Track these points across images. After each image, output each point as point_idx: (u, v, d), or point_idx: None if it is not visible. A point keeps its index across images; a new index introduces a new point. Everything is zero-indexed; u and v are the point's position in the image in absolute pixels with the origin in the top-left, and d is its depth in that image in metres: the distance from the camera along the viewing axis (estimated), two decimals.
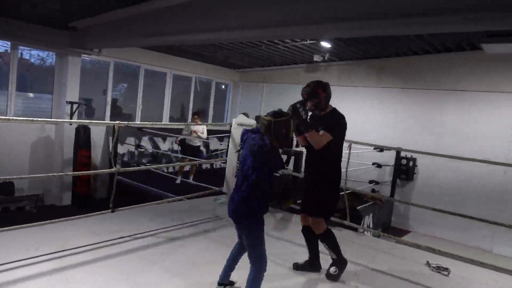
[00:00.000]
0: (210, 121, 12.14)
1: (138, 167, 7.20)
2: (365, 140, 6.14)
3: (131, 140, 9.71)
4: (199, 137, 8.64)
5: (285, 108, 3.18)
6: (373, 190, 9.28)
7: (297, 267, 3.58)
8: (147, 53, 9.88)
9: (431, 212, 6.62)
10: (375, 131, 9.68)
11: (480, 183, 8.56)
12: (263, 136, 2.64)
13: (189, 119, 10.80)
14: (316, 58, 9.63)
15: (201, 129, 8.70)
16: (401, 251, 4.53)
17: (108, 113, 9.50)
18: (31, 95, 8.85)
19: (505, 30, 5.84)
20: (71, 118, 7.74)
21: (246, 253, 2.79)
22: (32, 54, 8.63)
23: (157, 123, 8.86)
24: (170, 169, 9.98)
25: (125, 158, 9.69)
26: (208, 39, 5.91)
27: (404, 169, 9.47)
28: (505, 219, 8.07)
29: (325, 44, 8.42)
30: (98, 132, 8.77)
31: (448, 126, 9.04)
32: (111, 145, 8.34)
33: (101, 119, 9.37)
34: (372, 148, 8.15)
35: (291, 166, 6.71)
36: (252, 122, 5.32)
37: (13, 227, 3.43)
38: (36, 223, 3.66)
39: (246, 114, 8.06)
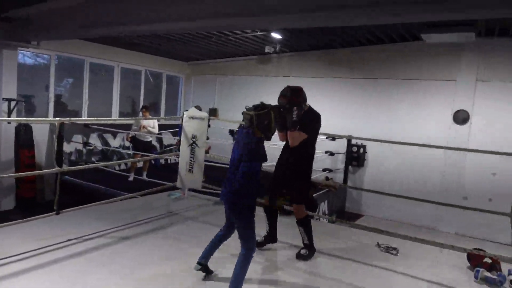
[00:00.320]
0: (162, 115, 11.85)
1: (84, 166, 6.86)
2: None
3: (78, 137, 9.24)
4: (149, 132, 8.38)
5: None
6: (327, 178, 9.53)
7: (259, 244, 3.71)
8: (92, 45, 9.40)
9: (382, 196, 6.94)
10: (327, 121, 9.74)
11: (424, 166, 9.07)
12: (249, 130, 2.89)
13: (140, 114, 10.43)
14: (268, 49, 9.66)
15: (152, 124, 8.43)
16: (354, 235, 4.69)
17: (51, 110, 8.94)
18: None
19: (442, 21, 6.18)
20: (9, 116, 7.20)
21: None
22: None
23: (102, 118, 8.45)
24: (123, 166, 9.65)
25: (73, 157, 9.23)
26: (149, 30, 5.70)
27: (356, 156, 9.82)
28: (446, 198, 8.68)
29: (276, 35, 8.45)
30: (41, 131, 8.24)
31: (394, 114, 9.45)
32: (58, 144, 7.87)
33: (43, 116, 8.80)
34: (325, 137, 8.42)
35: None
36: (204, 114, 5.23)
37: None
38: None
39: (198, 107, 7.94)
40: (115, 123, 9.57)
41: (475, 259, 3.62)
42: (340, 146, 9.57)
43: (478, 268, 3.41)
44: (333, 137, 8.99)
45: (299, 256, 3.69)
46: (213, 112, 11.69)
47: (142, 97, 11.21)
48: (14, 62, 7.55)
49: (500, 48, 8.21)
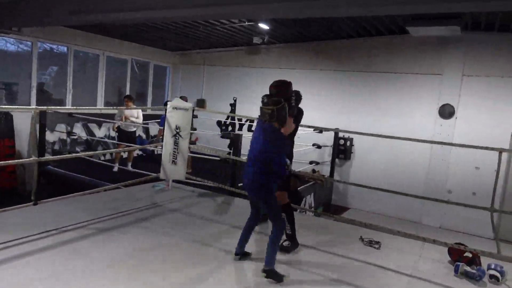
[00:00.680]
0: (149, 105, 11.69)
1: (63, 156, 6.72)
2: (305, 122, 6.25)
3: (62, 127, 9.06)
4: (133, 122, 8.22)
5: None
6: (313, 170, 9.53)
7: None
8: (77, 33, 9.18)
9: (368, 189, 6.96)
10: (314, 113, 9.86)
11: (410, 160, 9.14)
12: (271, 123, 3.13)
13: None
14: (256, 40, 9.56)
15: (136, 114, 8.27)
16: (339, 229, 4.69)
17: (33, 99, 8.72)
18: None
19: (428, 13, 6.16)
20: None
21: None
22: None
23: (82, 108, 8.26)
24: (108, 157, 9.50)
25: (56, 147, 9.06)
26: (134, 19, 5.54)
27: (342, 149, 9.85)
28: (431, 192, 8.78)
29: (263, 26, 8.35)
30: (22, 119, 8.03)
31: (380, 107, 9.48)
32: (38, 133, 7.70)
33: (26, 105, 8.58)
34: (312, 129, 8.41)
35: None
36: (187, 105, 5.15)
37: None
38: None
39: (184, 98, 7.85)
40: (100, 112, 9.42)
41: (456, 254, 3.65)
42: (327, 139, 9.58)
43: (458, 263, 3.44)
44: (320, 130, 8.99)
45: (282, 248, 3.70)
46: (200, 103, 11.58)
47: (128, 87, 11.02)
48: None
49: (486, 43, 8.26)
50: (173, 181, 5.67)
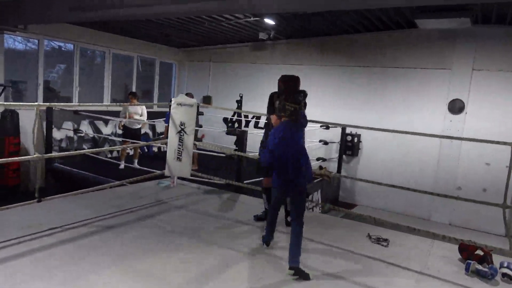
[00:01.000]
0: (155, 102, 11.67)
1: (67, 152, 6.71)
2: (310, 118, 6.16)
3: (68, 124, 9.08)
4: (136, 120, 8.15)
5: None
6: (320, 167, 9.43)
7: (259, 218, 4.30)
8: (82, 30, 9.18)
9: (376, 186, 6.86)
10: (321, 109, 9.79)
11: (418, 156, 9.00)
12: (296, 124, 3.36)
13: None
14: (262, 36, 9.47)
15: (140, 111, 8.23)
16: (346, 225, 4.62)
17: (40, 96, 8.74)
18: None
19: (437, 6, 6.01)
20: None
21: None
22: None
23: (85, 104, 8.24)
24: (115, 154, 9.51)
25: (63, 144, 9.08)
26: (134, 15, 5.49)
27: (350, 145, 9.74)
28: (441, 189, 8.64)
29: (269, 21, 8.26)
30: (28, 117, 8.00)
31: (388, 103, 9.35)
32: (45, 130, 7.71)
33: (32, 102, 8.61)
34: (319, 125, 8.31)
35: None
36: (192, 101, 5.09)
37: None
38: None
39: (190, 95, 7.81)
40: (106, 110, 9.42)
41: (467, 251, 3.56)
42: (334, 135, 9.48)
43: (469, 261, 3.34)
44: (327, 126, 8.89)
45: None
46: (207, 100, 11.54)
47: (134, 84, 11.02)
48: (0, 46, 7.34)
49: (497, 36, 8.08)
50: (178, 178, 5.64)
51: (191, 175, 5.41)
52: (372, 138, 9.36)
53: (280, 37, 10.10)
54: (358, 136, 9.69)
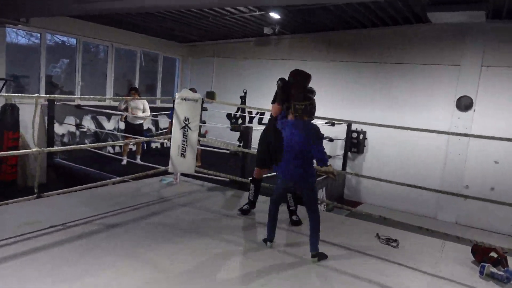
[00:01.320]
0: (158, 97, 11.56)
1: (67, 147, 6.60)
2: (316, 113, 6.03)
3: (70, 119, 8.99)
4: (137, 116, 8.03)
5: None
6: None
7: (245, 212, 4.32)
8: (85, 24, 9.07)
9: (381, 183, 6.75)
10: (326, 106, 9.62)
11: (425, 154, 8.85)
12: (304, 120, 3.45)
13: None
14: (266, 30, 9.32)
15: (141, 106, 8.10)
16: (353, 225, 4.50)
17: (42, 91, 8.64)
18: None
19: None
20: None
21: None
22: None
23: (85, 97, 8.13)
24: (118, 149, 9.42)
25: (65, 139, 8.99)
26: (141, 7, 5.36)
27: (355, 142, 9.60)
28: (448, 187, 8.51)
29: (274, 15, 8.11)
30: (29, 112, 7.91)
31: (395, 99, 9.19)
32: (47, 125, 7.62)
33: None
34: (324, 122, 8.17)
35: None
36: (196, 96, 4.96)
37: None
38: None
39: (193, 90, 7.68)
40: (109, 104, 9.32)
41: (480, 253, 3.43)
42: (340, 132, 9.33)
43: (484, 264, 3.22)
44: (332, 122, 8.75)
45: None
46: (210, 96, 11.42)
47: (137, 79, 10.91)
48: (1, 40, 7.24)
49: (507, 32, 7.90)
50: (182, 174, 5.53)
51: (195, 172, 5.29)
52: (378, 135, 9.22)
53: (285, 32, 9.95)
54: (364, 133, 9.55)
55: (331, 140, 9.45)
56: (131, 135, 7.86)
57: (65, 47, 9.57)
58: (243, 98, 10.90)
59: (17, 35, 8.48)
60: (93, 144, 7.68)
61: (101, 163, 7.86)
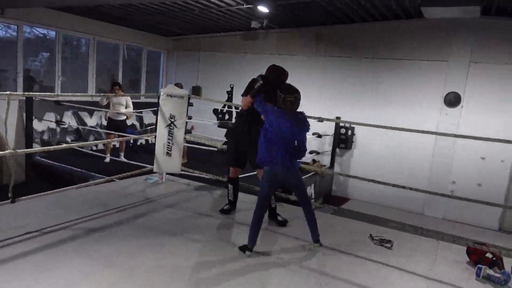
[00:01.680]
0: (143, 93, 11.26)
1: (42, 148, 6.32)
2: (304, 109, 5.89)
3: (50, 115, 8.65)
4: (120, 112, 7.74)
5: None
6: (313, 161, 9.23)
7: (227, 211, 4.22)
8: (65, 16, 8.70)
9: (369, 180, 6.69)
10: (315, 101, 9.55)
11: (413, 149, 8.83)
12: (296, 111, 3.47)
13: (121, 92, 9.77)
14: (254, 24, 9.11)
15: (124, 102, 7.81)
16: (345, 224, 4.39)
17: (20, 86, 8.27)
18: None
19: None
20: None
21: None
22: None
23: (63, 94, 7.83)
24: (101, 147, 9.12)
25: (45, 136, 8.65)
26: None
27: (343, 138, 9.53)
28: (435, 183, 8.52)
29: (262, 9, 7.91)
30: (4, 109, 7.60)
31: (383, 95, 9.13)
32: (25, 121, 7.30)
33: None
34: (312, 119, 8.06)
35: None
36: (183, 92, 4.76)
37: None
38: None
39: (179, 85, 7.45)
40: (91, 100, 9.00)
41: (476, 254, 3.36)
42: (328, 127, 9.24)
43: (480, 265, 3.14)
44: (321, 119, 8.64)
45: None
46: (196, 91, 11.18)
47: (120, 74, 10.58)
48: None
49: (496, 28, 7.89)
50: (167, 173, 5.33)
51: (181, 170, 5.10)
52: (366, 130, 9.15)
53: (273, 26, 9.76)
54: (352, 129, 9.48)
55: (319, 136, 9.34)
56: (114, 132, 7.59)
57: (45, 40, 9.19)
58: (230, 93, 10.70)
59: None
60: (72, 144, 7.34)
61: (83, 161, 7.58)
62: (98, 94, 9.29)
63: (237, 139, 4.06)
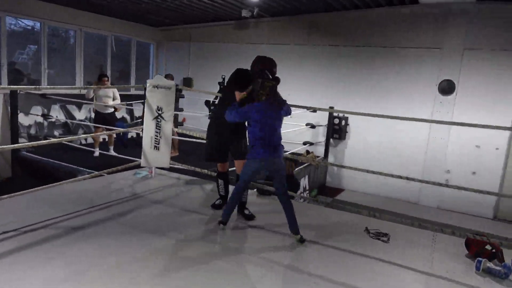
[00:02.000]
0: (133, 85, 11.02)
1: (25, 143, 6.13)
2: (297, 99, 5.73)
3: (37, 109, 8.41)
4: (107, 104, 7.52)
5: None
6: (307, 152, 9.11)
7: (218, 207, 4.07)
8: (51, 6, 8.44)
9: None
10: (307, 90, 9.42)
11: (407, 138, 8.75)
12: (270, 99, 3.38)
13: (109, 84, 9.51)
14: (244, 13, 8.91)
15: (111, 94, 7.59)
16: (339, 217, 4.27)
17: (4, 79, 8.03)
18: None
19: None
20: None
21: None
22: None
23: (46, 86, 7.59)
24: (90, 140, 8.90)
25: (32, 131, 8.43)
26: None
27: (337, 128, 9.41)
28: (429, 171, 8.45)
29: None
30: None
31: (377, 83, 9.01)
32: (10, 116, 7.07)
33: None
34: (305, 109, 7.92)
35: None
36: (170, 83, 4.57)
37: None
38: None
39: (170, 76, 7.26)
40: (79, 93, 8.76)
41: (475, 246, 3.26)
42: (322, 117, 9.11)
43: (480, 258, 3.04)
44: (314, 109, 8.52)
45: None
46: (187, 82, 10.96)
47: (109, 66, 10.33)
48: None
49: (490, 14, 7.76)
50: (157, 167, 5.17)
51: (171, 164, 4.94)
52: (360, 120, 9.05)
53: (265, 15, 9.55)
54: (346, 119, 9.36)
55: (313, 126, 9.22)
56: (101, 125, 7.39)
57: (33, 33, 8.92)
58: (222, 84, 10.49)
59: None
60: (60, 139, 7.08)
61: (72, 155, 7.37)
62: (84, 86, 9.05)
63: (218, 130, 3.84)
